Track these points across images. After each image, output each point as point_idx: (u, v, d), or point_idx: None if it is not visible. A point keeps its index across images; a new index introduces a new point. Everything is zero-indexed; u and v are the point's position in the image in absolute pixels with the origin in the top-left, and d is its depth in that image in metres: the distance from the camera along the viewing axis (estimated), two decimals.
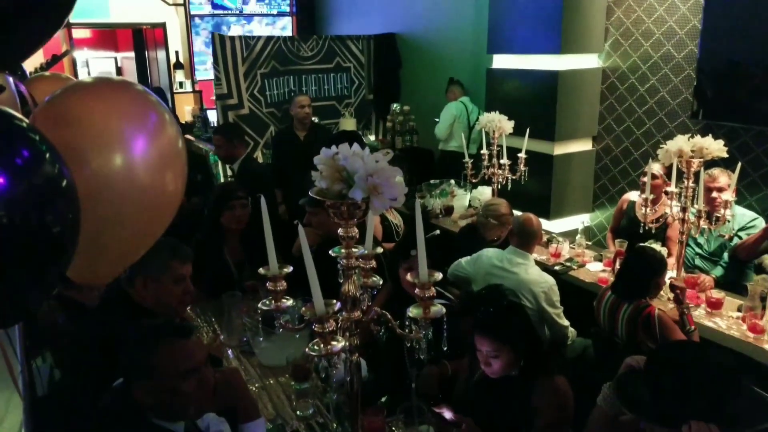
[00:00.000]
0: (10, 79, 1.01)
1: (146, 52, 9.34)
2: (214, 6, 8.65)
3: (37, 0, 0.90)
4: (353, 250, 1.49)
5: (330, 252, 1.50)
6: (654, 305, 2.87)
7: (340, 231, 1.47)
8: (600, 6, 4.81)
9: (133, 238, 1.19)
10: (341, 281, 1.53)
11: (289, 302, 1.54)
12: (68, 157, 0.87)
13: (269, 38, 6.63)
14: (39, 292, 0.81)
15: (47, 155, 0.79)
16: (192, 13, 8.43)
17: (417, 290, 1.43)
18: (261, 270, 1.52)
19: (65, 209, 0.81)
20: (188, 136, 7.70)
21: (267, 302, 1.52)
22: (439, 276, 1.46)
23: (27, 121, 0.81)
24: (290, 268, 1.54)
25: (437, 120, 6.20)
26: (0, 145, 0.72)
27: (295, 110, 5.19)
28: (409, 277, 1.46)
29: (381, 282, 1.66)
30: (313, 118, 5.57)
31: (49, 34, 0.98)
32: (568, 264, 3.87)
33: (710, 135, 3.26)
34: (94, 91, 1.16)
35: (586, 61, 4.93)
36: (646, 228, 3.40)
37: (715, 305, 3.25)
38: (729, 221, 3.34)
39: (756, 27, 3.85)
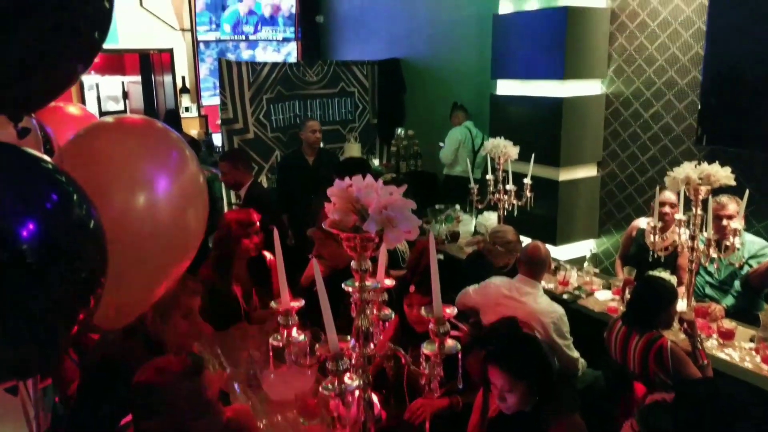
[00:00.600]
0: (34, 120, 1.00)
1: (153, 77, 9.40)
2: (234, 29, 8.72)
3: (66, 44, 0.89)
4: (366, 283, 1.46)
5: (343, 285, 1.47)
6: (666, 337, 2.82)
7: (353, 264, 1.44)
8: (602, 32, 4.83)
9: (154, 277, 1.17)
10: (353, 315, 1.50)
11: (300, 337, 1.51)
12: (91, 196, 0.85)
13: (275, 64, 6.69)
14: (64, 341, 0.78)
15: (75, 197, 0.77)
16: (199, 39, 8.50)
17: (431, 325, 1.40)
18: (273, 304, 1.50)
19: (94, 252, 0.79)
20: None
21: (278, 337, 1.49)
22: (454, 311, 1.43)
23: (52, 162, 0.80)
24: (302, 302, 1.51)
25: (442, 145, 6.20)
26: (28, 189, 0.70)
27: (306, 135, 5.18)
28: (423, 311, 1.43)
29: (393, 315, 1.63)
30: (321, 144, 5.59)
31: (75, 77, 0.97)
32: (576, 292, 3.83)
33: (716, 161, 3.25)
34: (117, 130, 1.15)
35: (590, 87, 4.94)
36: (656, 256, 3.36)
37: (727, 335, 3.19)
38: (739, 249, 3.31)
39: (759, 53, 3.85)
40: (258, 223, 3.14)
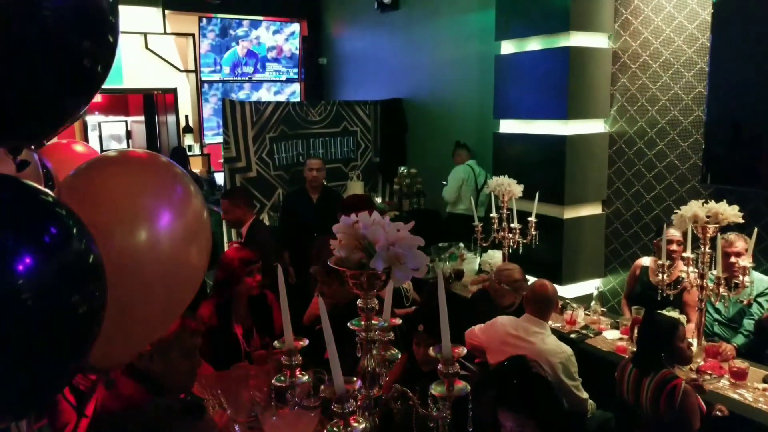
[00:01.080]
0: (35, 154, 0.98)
1: (156, 116, 9.51)
2: (233, 70, 8.85)
3: (68, 78, 0.88)
4: (373, 322, 1.43)
5: (348, 325, 1.44)
6: (682, 378, 2.75)
7: (359, 302, 1.41)
8: (605, 73, 4.89)
9: (155, 315, 1.13)
10: (359, 355, 1.46)
11: (304, 378, 1.47)
12: (92, 232, 0.82)
13: (279, 103, 6.76)
14: (59, 382, 0.75)
15: (75, 230, 0.75)
16: (203, 79, 8.62)
17: (440, 366, 1.36)
18: (276, 343, 1.46)
19: (93, 288, 0.76)
20: None
21: (282, 377, 1.45)
22: (463, 351, 1.39)
23: (53, 195, 0.78)
24: (306, 342, 1.47)
25: (444, 183, 6.21)
26: (26, 222, 0.68)
27: (306, 172, 5.21)
28: (431, 351, 1.39)
29: (399, 355, 1.59)
30: (324, 182, 5.59)
31: (78, 111, 0.97)
32: (584, 332, 3.77)
33: (721, 199, 3.24)
34: (120, 164, 1.13)
35: (593, 127, 4.97)
36: (663, 295, 3.33)
37: (739, 376, 3.13)
38: (748, 287, 3.27)
39: (762, 93, 3.88)
40: (259, 262, 3.11)
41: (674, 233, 3.84)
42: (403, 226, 1.39)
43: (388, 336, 1.56)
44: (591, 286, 5.12)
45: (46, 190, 0.79)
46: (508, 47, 5.31)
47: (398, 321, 1.60)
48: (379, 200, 7.46)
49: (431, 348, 1.40)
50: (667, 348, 2.80)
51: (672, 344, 2.80)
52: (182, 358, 2.10)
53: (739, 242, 3.45)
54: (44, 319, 0.69)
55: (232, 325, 3.04)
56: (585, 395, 3.16)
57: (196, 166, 8.63)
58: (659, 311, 3.55)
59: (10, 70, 0.78)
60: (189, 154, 8.61)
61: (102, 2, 0.91)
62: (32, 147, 0.97)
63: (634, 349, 3.20)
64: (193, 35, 8.41)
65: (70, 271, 0.74)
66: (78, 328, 0.74)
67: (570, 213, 4.95)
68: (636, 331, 3.53)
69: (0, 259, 0.67)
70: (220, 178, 7.59)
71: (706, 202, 3.25)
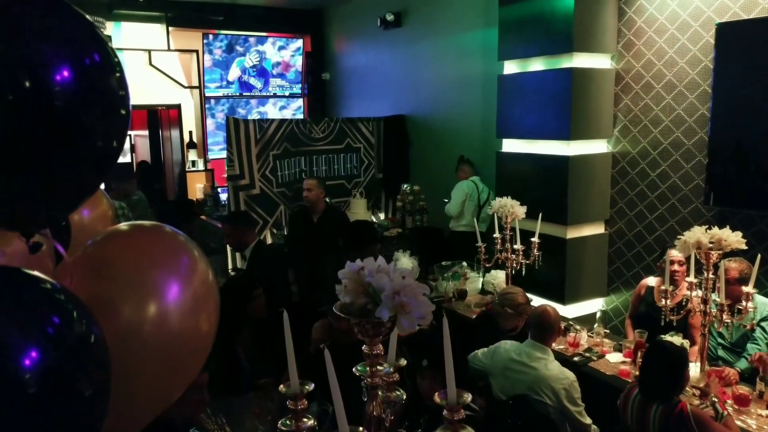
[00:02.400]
0: (48, 235, 1.00)
1: (160, 131, 9.55)
2: (241, 84, 8.90)
3: (81, 159, 0.90)
4: (378, 368, 1.44)
5: (354, 370, 1.45)
6: (685, 401, 2.75)
7: (364, 348, 1.42)
8: (608, 93, 4.91)
9: (164, 386, 1.14)
10: (364, 399, 1.47)
11: (309, 422, 1.47)
12: (100, 308, 0.84)
13: (282, 121, 6.79)
14: None
15: (75, 314, 0.77)
16: (207, 95, 8.67)
17: (445, 413, 1.36)
18: (281, 388, 1.47)
19: (98, 369, 0.77)
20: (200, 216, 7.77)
21: (288, 422, 1.46)
22: (468, 397, 1.39)
23: (52, 281, 0.79)
24: (312, 386, 1.48)
25: (446, 201, 6.22)
26: (30, 317, 0.69)
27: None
28: (436, 398, 1.40)
29: (404, 396, 1.60)
30: (327, 200, 5.62)
31: (93, 189, 0.98)
32: (587, 354, 3.77)
33: (724, 221, 3.25)
34: (127, 239, 1.15)
35: (596, 147, 4.99)
36: (667, 320, 3.33)
37: (742, 401, 3.13)
38: (751, 312, 3.27)
39: (765, 113, 3.90)
40: (261, 287, 3.13)
41: (675, 253, 3.84)
42: (408, 273, 1.40)
43: (393, 377, 1.57)
44: (594, 306, 5.12)
45: (45, 277, 0.81)
46: (511, 67, 5.34)
47: (403, 363, 1.61)
48: (382, 216, 7.48)
49: (436, 394, 1.40)
50: (676, 376, 2.80)
51: (683, 374, 2.81)
52: (189, 392, 2.10)
53: (743, 269, 3.46)
54: (53, 409, 0.70)
55: (236, 351, 3.05)
56: (588, 421, 3.16)
57: (200, 182, 8.66)
58: (663, 336, 3.57)
59: (20, 156, 0.79)
60: (193, 169, 8.64)
61: (111, 79, 0.93)
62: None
63: (637, 374, 3.20)
64: (197, 51, 8.46)
65: (74, 356, 0.75)
66: (87, 410, 0.75)
67: (573, 233, 4.96)
68: (639, 355, 3.54)
69: (7, 357, 0.68)
70: (224, 194, 7.61)
71: (710, 228, 3.26)
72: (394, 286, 1.35)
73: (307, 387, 1.47)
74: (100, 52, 0.91)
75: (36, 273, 0.79)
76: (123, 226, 1.19)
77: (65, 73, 0.80)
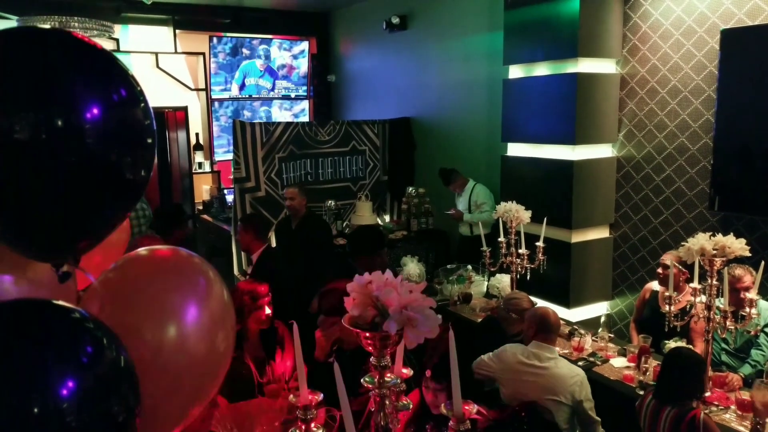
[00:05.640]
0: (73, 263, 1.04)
1: (167, 133, 9.59)
2: (242, 88, 8.94)
3: (111, 191, 0.93)
4: (386, 379, 1.47)
5: (362, 381, 1.48)
6: (700, 409, 2.78)
7: (372, 360, 1.46)
8: (612, 98, 4.93)
9: (183, 405, 1.18)
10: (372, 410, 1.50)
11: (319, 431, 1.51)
12: (124, 333, 0.87)
13: (288, 124, 6.84)
14: None
15: (105, 341, 0.80)
16: (213, 98, 8.71)
17: (451, 424, 1.40)
18: (291, 398, 1.50)
19: (128, 393, 0.81)
20: (206, 217, 7.82)
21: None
22: (474, 409, 1.43)
23: (80, 311, 0.83)
24: (320, 396, 1.52)
25: (450, 212, 6.14)
26: (65, 347, 0.73)
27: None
28: (443, 409, 1.43)
29: (410, 405, 1.63)
30: (306, 208, 5.64)
31: (122, 219, 1.02)
32: (591, 359, 3.79)
33: (729, 226, 3.27)
34: (146, 264, 1.19)
35: (601, 151, 5.01)
36: (671, 326, 3.35)
37: (746, 407, 3.14)
38: (755, 318, 3.29)
39: None
40: (269, 295, 3.16)
41: (669, 260, 3.84)
42: (416, 288, 1.44)
43: (401, 387, 1.60)
44: (598, 310, 5.15)
45: (74, 307, 0.84)
46: (516, 71, 5.37)
47: (410, 373, 1.64)
48: (387, 219, 7.52)
49: (443, 405, 1.44)
50: (694, 383, 2.83)
51: (702, 377, 2.84)
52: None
53: (747, 276, 3.47)
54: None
55: (245, 359, 3.09)
56: (598, 419, 3.20)
57: (206, 183, 8.70)
58: (667, 342, 3.59)
59: (54, 191, 0.83)
60: (199, 171, 8.68)
61: (137, 112, 0.96)
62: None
63: (653, 382, 3.23)
64: (203, 54, 8.50)
65: (107, 382, 0.79)
66: None
67: (577, 237, 4.99)
68: (643, 360, 3.56)
69: (45, 389, 0.72)
70: (230, 196, 7.66)
71: (714, 234, 3.27)
72: (401, 300, 1.39)
73: (317, 398, 1.51)
74: (126, 86, 0.95)
75: (65, 304, 0.83)
76: (142, 251, 1.23)
77: (95, 111, 0.84)
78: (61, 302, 0.84)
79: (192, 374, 1.13)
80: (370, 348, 1.46)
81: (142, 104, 0.99)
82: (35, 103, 0.79)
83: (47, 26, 0.91)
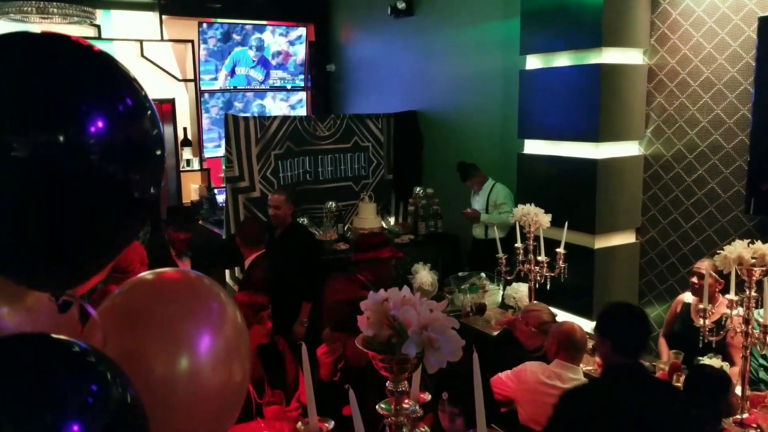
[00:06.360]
0: (75, 293, 1.03)
1: None
2: (230, 74, 8.94)
3: (119, 211, 0.93)
4: (403, 406, 1.47)
5: (378, 408, 1.48)
6: (728, 429, 2.78)
7: (388, 385, 1.45)
8: (640, 91, 4.92)
9: None
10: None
11: None
12: (131, 365, 0.87)
13: (285, 118, 6.83)
14: None
15: (110, 376, 0.80)
16: (202, 89, 8.70)
17: None
18: (299, 425, 1.50)
19: (136, 429, 0.80)
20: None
21: None
22: None
23: (81, 344, 0.83)
24: (332, 424, 1.51)
25: (469, 210, 6.14)
26: (68, 386, 0.73)
27: None
28: None
29: None
30: (301, 219, 5.65)
31: (134, 238, 1.01)
32: None
33: (766, 231, 3.25)
34: (154, 289, 1.18)
35: (627, 149, 5.00)
36: (705, 342, 3.34)
37: None
38: None
39: None
40: (270, 308, 3.16)
41: (705, 268, 3.83)
42: (436, 306, 1.43)
43: (417, 414, 1.60)
44: None
45: (75, 341, 0.83)
46: (534, 62, 5.36)
47: (428, 397, 1.64)
48: (392, 221, 7.50)
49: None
50: (718, 404, 2.82)
51: (726, 399, 2.83)
52: None
53: None
54: None
55: None
56: None
57: (195, 182, 8.70)
58: (701, 358, 3.58)
59: (60, 214, 0.82)
60: (188, 168, 8.68)
61: (144, 124, 0.95)
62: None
63: None
64: (192, 42, 8.50)
65: (114, 422, 0.78)
66: None
67: (601, 242, 4.97)
68: (675, 378, 3.55)
69: (51, 427, 0.71)
70: (221, 195, 7.64)
71: (753, 242, 3.26)
72: (421, 319, 1.38)
73: (327, 426, 1.50)
74: (131, 94, 0.94)
75: (65, 338, 0.82)
76: (148, 275, 1.22)
77: (100, 125, 0.83)
78: (60, 336, 0.83)
79: (206, 410, 1.12)
80: (385, 372, 1.46)
81: (149, 112, 0.99)
82: (33, 120, 0.78)
83: (36, 29, 0.90)
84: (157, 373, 1.04)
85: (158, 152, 0.99)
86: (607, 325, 3.02)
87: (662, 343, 4.31)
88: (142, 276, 1.21)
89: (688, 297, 4.18)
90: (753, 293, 3.23)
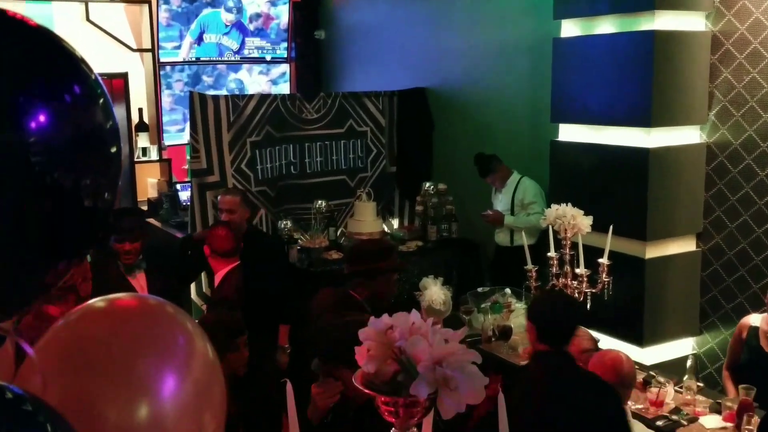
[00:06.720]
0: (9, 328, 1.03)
1: None
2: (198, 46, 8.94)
3: (70, 222, 0.93)
4: None
5: None
6: None
7: None
8: (701, 65, 4.92)
9: None
10: None
11: None
12: (78, 413, 0.86)
13: (264, 97, 6.83)
14: None
15: (50, 428, 0.80)
16: (162, 60, 8.68)
17: None
18: None
19: None
20: (152, 221, 7.79)
21: None
22: None
23: (15, 390, 0.82)
24: None
25: (490, 212, 6.15)
26: None
27: None
28: None
29: None
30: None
31: (87, 251, 1.01)
32: (674, 417, 3.80)
33: None
34: (107, 320, 1.17)
35: (685, 136, 5.00)
36: None
37: None
38: None
39: None
40: (246, 333, 3.17)
41: None
42: (452, 336, 1.43)
43: None
44: (682, 349, 5.14)
45: (7, 385, 0.83)
46: (570, 28, 5.37)
47: None
48: (395, 224, 7.51)
49: None
50: None
51: None
52: None
53: None
54: None
55: None
56: None
57: (153, 176, 8.69)
58: None
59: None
60: (144, 159, 8.67)
61: (96, 115, 0.95)
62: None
63: None
64: (149, 2, 8.49)
65: None
66: None
67: (654, 251, 4.98)
68: (746, 420, 3.55)
69: None
70: (185, 192, 7.64)
71: None
72: (434, 353, 1.38)
73: None
74: (79, 80, 0.94)
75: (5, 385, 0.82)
76: (98, 302, 1.21)
77: (41, 119, 0.82)
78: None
79: None
80: (389, 416, 1.46)
81: (101, 100, 0.99)
82: None
83: None
84: (110, 425, 1.03)
85: (113, 149, 0.99)
86: (533, 311, 3.43)
87: (726, 377, 4.32)
88: (91, 304, 1.21)
89: (755, 319, 4.18)
90: None
